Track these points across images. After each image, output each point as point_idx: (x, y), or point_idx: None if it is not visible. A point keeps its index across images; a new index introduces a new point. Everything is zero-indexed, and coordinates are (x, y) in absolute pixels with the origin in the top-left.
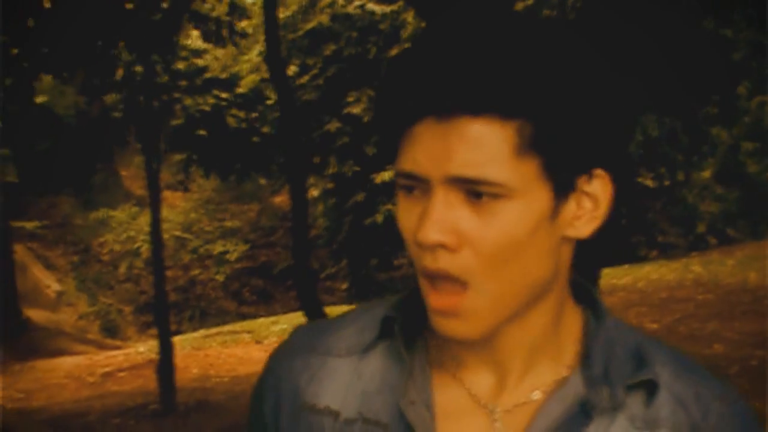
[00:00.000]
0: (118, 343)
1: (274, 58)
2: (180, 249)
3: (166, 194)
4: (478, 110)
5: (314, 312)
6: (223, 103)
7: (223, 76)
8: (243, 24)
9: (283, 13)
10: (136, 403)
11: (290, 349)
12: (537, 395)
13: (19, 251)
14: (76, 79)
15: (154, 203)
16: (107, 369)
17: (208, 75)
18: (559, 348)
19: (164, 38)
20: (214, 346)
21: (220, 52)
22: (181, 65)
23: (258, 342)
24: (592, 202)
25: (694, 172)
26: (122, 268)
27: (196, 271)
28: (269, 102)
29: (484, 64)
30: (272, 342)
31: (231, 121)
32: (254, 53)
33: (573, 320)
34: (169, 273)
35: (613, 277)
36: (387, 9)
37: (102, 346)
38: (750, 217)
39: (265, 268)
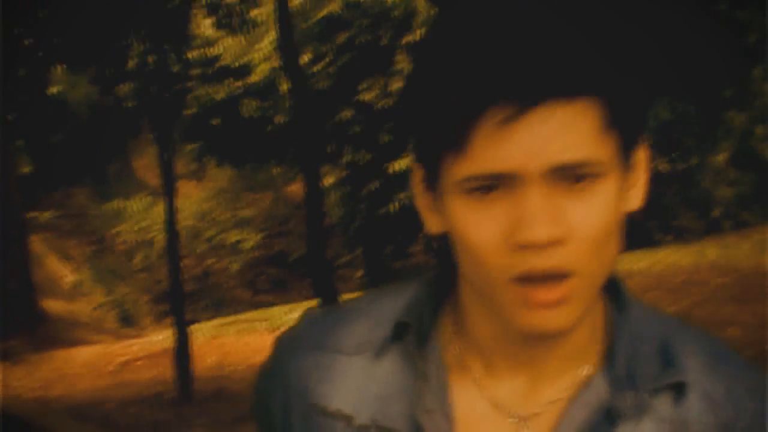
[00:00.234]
0: (134, 332)
1: (286, 46)
2: (194, 238)
3: (180, 184)
4: (570, 94)
5: (330, 300)
6: (236, 92)
7: (236, 65)
8: (255, 12)
9: (294, 2)
10: (153, 391)
11: (298, 342)
12: (561, 398)
13: (35, 242)
14: (88, 69)
15: (169, 193)
16: (124, 358)
17: (220, 64)
18: (585, 343)
19: (176, 27)
20: (230, 334)
21: (232, 41)
22: (193, 55)
23: (273, 330)
24: (638, 171)
25: (708, 156)
26: (137, 258)
27: (211, 261)
28: (282, 91)
29: (565, 44)
30: None
31: (244, 110)
32: (266, 42)
33: (598, 310)
34: (184, 262)
35: (628, 262)
36: None
37: (118, 336)
38: (765, 200)
39: (280, 256)
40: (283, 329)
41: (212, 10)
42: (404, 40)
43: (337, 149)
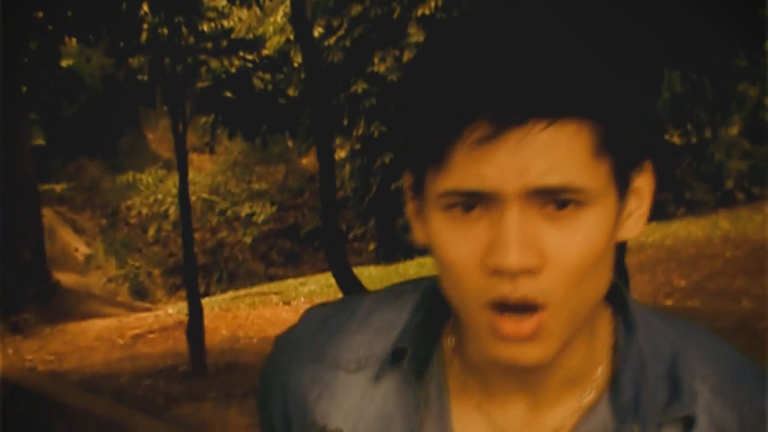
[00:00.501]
0: (147, 305)
1: (299, 19)
2: (207, 211)
3: (193, 157)
4: (554, 115)
5: (342, 273)
6: (249, 65)
7: (249, 37)
8: None
9: None
10: (167, 364)
11: (297, 353)
12: (564, 425)
13: (48, 215)
14: (101, 42)
15: (182, 166)
16: (137, 331)
17: (233, 37)
18: (586, 368)
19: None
20: (243, 307)
21: (244, 14)
22: (206, 27)
23: (286, 303)
24: (638, 199)
25: (721, 128)
26: (151, 231)
27: (224, 233)
28: (295, 64)
29: (553, 63)
30: (301, 303)
31: (257, 83)
32: (279, 15)
33: (604, 329)
34: (197, 235)
35: (641, 235)
36: None
37: (132, 309)
38: None
39: (292, 229)
40: (295, 302)
41: None
42: (417, 12)
43: (351, 122)
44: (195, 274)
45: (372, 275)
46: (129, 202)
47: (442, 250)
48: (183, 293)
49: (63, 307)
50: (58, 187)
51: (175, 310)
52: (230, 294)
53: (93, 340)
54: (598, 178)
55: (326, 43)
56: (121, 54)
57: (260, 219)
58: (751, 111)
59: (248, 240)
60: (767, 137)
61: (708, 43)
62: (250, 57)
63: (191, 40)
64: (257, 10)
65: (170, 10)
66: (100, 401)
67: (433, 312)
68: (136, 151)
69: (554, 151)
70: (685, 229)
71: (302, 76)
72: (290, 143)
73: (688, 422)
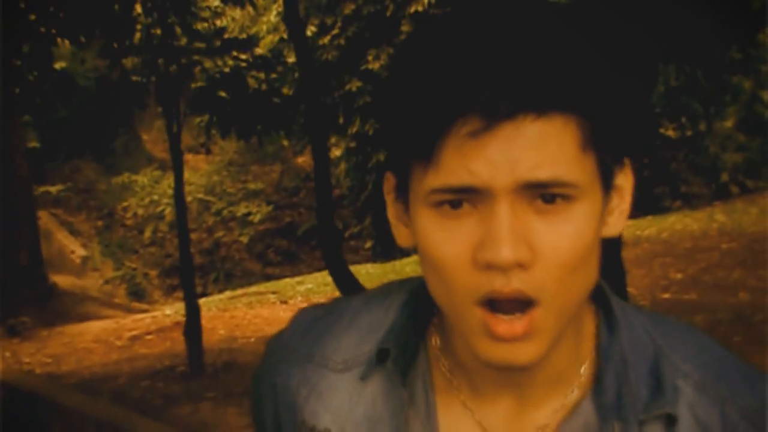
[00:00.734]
0: (144, 306)
1: (292, 18)
2: (204, 211)
3: (188, 157)
4: (542, 109)
5: (339, 271)
6: (243, 65)
7: (242, 37)
8: None
9: None
10: (165, 365)
11: (287, 354)
12: (549, 424)
13: (44, 217)
14: (94, 43)
15: (177, 166)
16: (135, 332)
17: (226, 36)
18: (570, 366)
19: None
20: (240, 307)
21: (238, 13)
22: (199, 27)
23: (284, 302)
24: (619, 196)
25: (716, 121)
26: (147, 232)
27: (221, 233)
28: (289, 62)
29: (542, 58)
30: (298, 302)
31: (251, 82)
32: (273, 14)
33: (588, 328)
34: (193, 236)
35: (637, 229)
36: None
37: (129, 310)
38: None
39: (289, 228)
40: (292, 301)
41: None
42: (411, 9)
43: (346, 120)
44: (192, 274)
45: (369, 273)
46: (125, 204)
47: (431, 248)
48: (180, 294)
49: (60, 309)
50: (54, 190)
51: (173, 310)
52: (227, 294)
53: (90, 342)
54: (585, 172)
55: (320, 42)
56: (114, 55)
57: (256, 218)
58: (746, 104)
59: (245, 240)
60: (762, 130)
61: (701, 36)
62: (243, 56)
63: (184, 40)
64: (250, 9)
65: (163, 11)
66: (99, 403)
67: (418, 311)
68: (131, 152)
69: (543, 145)
70: (681, 223)
71: (296, 74)
72: (285, 142)
73: (671, 420)
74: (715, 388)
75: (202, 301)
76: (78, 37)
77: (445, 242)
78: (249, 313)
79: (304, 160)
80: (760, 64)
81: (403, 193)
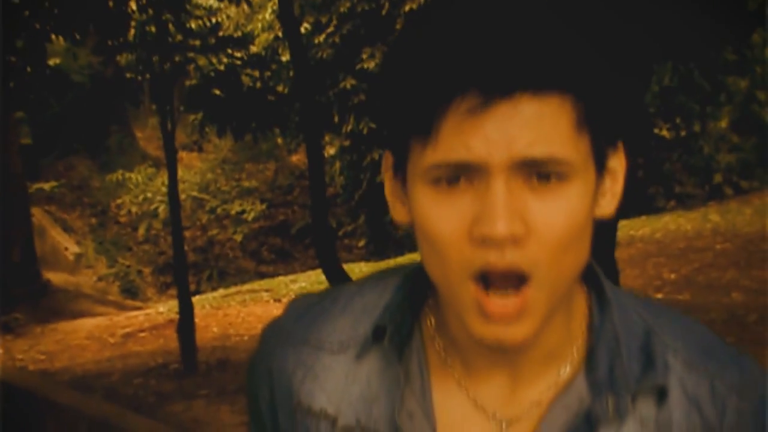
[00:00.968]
0: (138, 303)
1: (287, 16)
2: (197, 209)
3: (183, 155)
4: (540, 88)
5: (333, 270)
6: (238, 63)
7: (237, 35)
8: None
9: None
10: (158, 362)
11: (282, 338)
12: (542, 401)
13: (37, 214)
14: (88, 40)
15: (171, 164)
16: (128, 330)
17: (221, 34)
18: (563, 343)
19: None
20: (234, 305)
21: (233, 11)
22: (194, 25)
23: (277, 300)
24: (612, 179)
25: (710, 122)
26: (141, 230)
27: (214, 231)
28: (284, 60)
29: (540, 38)
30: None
31: (246, 80)
32: (268, 12)
33: (579, 307)
34: (187, 233)
35: (630, 229)
36: None
37: (122, 307)
38: (767, 165)
39: (283, 227)
40: (286, 299)
41: None
42: (406, 8)
43: (340, 118)
44: (185, 272)
45: (363, 272)
46: (118, 201)
47: (427, 223)
48: (173, 291)
49: (53, 306)
50: (48, 186)
51: (166, 308)
52: (221, 292)
53: (84, 339)
54: (579, 152)
55: (315, 40)
56: (108, 52)
57: (250, 216)
58: (740, 104)
59: (238, 238)
60: (756, 130)
61: (696, 35)
62: (238, 54)
63: (179, 37)
64: (246, 7)
65: (158, 8)
66: (92, 400)
67: (413, 292)
68: (125, 149)
69: (539, 124)
70: (675, 223)
71: (291, 73)
72: (279, 140)
73: (662, 392)
74: (703, 364)
75: (195, 298)
76: (72, 33)
77: (441, 217)
78: (242, 311)
79: (298, 158)
80: (756, 65)
81: (401, 170)
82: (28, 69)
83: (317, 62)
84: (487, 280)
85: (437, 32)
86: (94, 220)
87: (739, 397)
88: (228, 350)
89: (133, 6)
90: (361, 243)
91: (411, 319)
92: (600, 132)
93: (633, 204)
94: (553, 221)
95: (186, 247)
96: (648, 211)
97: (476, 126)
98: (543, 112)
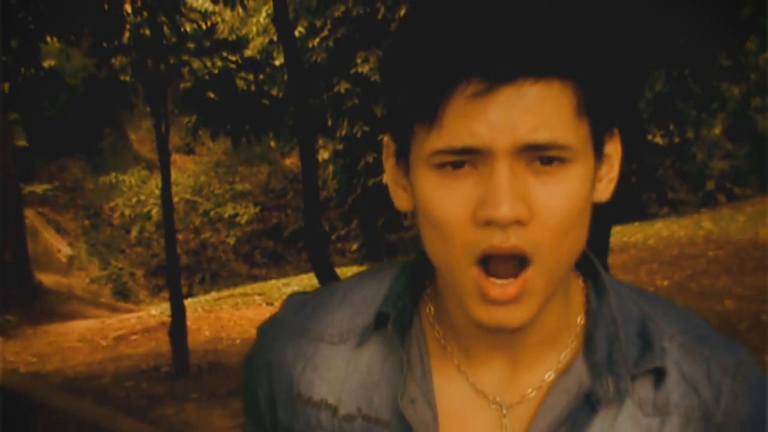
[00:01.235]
0: (130, 306)
1: (282, 19)
2: (190, 212)
3: (176, 157)
4: (542, 74)
5: (325, 274)
6: (232, 66)
7: (232, 38)
8: None
9: None
10: (149, 365)
11: (280, 332)
12: (542, 385)
13: (30, 216)
14: (83, 42)
15: (164, 166)
16: (120, 332)
17: (216, 37)
18: (561, 328)
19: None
20: (226, 308)
21: (227, 14)
22: (188, 27)
23: (269, 304)
24: (608, 164)
25: (703, 128)
26: (133, 232)
27: (207, 234)
28: (278, 64)
29: (543, 25)
30: None
31: (240, 83)
32: (262, 15)
33: (576, 294)
34: (180, 236)
35: (623, 235)
36: None
37: (114, 310)
38: (760, 172)
39: (276, 230)
40: (278, 303)
41: None
42: (401, 12)
43: (334, 122)
44: (178, 274)
45: None
46: (112, 203)
47: (432, 207)
48: (166, 294)
49: (45, 308)
50: (41, 188)
51: (158, 311)
52: (213, 295)
53: (75, 341)
54: (579, 137)
55: (309, 44)
56: (103, 54)
57: (243, 220)
58: (733, 111)
59: (231, 241)
60: (749, 138)
61: (690, 41)
62: (233, 57)
63: (173, 40)
64: (240, 10)
65: (153, 10)
66: (83, 402)
67: (412, 279)
68: (119, 151)
69: (541, 109)
70: (668, 229)
71: (285, 76)
72: (273, 144)
73: (660, 373)
74: (698, 348)
75: (187, 301)
76: (67, 34)
77: (445, 201)
78: (234, 315)
79: (291, 161)
80: (750, 72)
81: (403, 157)
82: (23, 70)
83: (311, 66)
84: (489, 267)
85: (442, 19)
86: (87, 222)
87: (734, 380)
88: (220, 353)
89: (128, 8)
90: (354, 247)
91: (412, 305)
92: (599, 117)
93: (626, 210)
94: (555, 204)
95: (179, 250)
96: (641, 218)
97: (480, 111)
98: (545, 97)
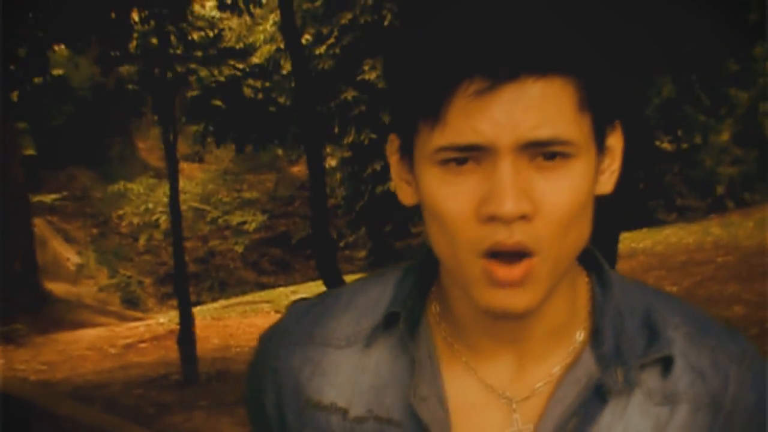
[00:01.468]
0: (138, 314)
1: (288, 27)
2: (198, 220)
3: (184, 166)
4: (545, 71)
5: (333, 281)
6: (239, 74)
7: (239, 46)
8: None
9: None
10: (158, 373)
11: (286, 337)
12: (550, 378)
13: (39, 225)
14: (91, 51)
15: (172, 175)
16: (128, 340)
17: (223, 45)
18: (568, 321)
19: (179, 8)
20: (234, 316)
21: (235, 22)
22: (195, 36)
23: (277, 311)
24: (610, 157)
25: (711, 134)
26: (141, 240)
27: (215, 242)
28: (285, 72)
29: (544, 23)
30: None
31: (247, 91)
32: (269, 23)
33: (581, 288)
34: (188, 244)
35: (632, 241)
36: None
37: (123, 318)
38: None
39: (283, 238)
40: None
41: None
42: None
43: (341, 130)
44: (186, 283)
45: None
46: (120, 212)
47: (436, 203)
48: (174, 302)
49: (54, 316)
50: (49, 197)
51: (167, 319)
52: (221, 303)
53: (84, 349)
54: (582, 132)
55: (316, 51)
56: (110, 62)
57: (251, 227)
58: (742, 117)
59: (239, 248)
60: (757, 143)
61: (697, 46)
62: (240, 66)
63: (181, 48)
64: (247, 18)
65: (160, 19)
66: (92, 411)
67: (418, 279)
68: (127, 160)
69: (544, 106)
70: (676, 236)
71: (292, 84)
72: (280, 152)
73: (667, 362)
74: (703, 338)
75: (196, 309)
76: (75, 43)
77: (450, 197)
78: (243, 323)
79: (298, 169)
80: (759, 77)
81: (407, 153)
82: (32, 79)
83: (318, 73)
84: (496, 255)
85: (444, 17)
86: (95, 231)
87: (740, 368)
88: (228, 361)
89: (135, 17)
90: (362, 254)
91: (420, 304)
92: (601, 112)
93: (634, 216)
94: (559, 199)
95: (187, 258)
96: (649, 224)
97: (483, 108)
98: (547, 94)
